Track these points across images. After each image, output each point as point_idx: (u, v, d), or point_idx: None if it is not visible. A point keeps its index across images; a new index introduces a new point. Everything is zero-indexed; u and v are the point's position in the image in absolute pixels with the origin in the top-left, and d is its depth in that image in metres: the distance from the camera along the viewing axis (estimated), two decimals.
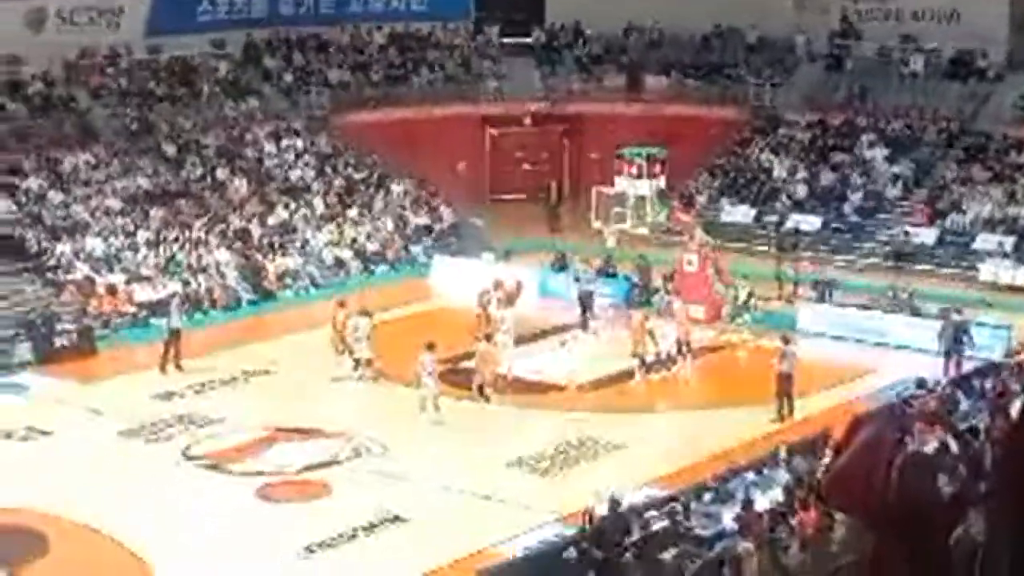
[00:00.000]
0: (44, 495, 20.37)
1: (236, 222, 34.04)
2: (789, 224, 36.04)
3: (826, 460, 15.70)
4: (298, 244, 34.12)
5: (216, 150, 36.57)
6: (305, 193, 36.30)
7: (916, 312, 28.44)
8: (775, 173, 38.41)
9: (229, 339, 28.92)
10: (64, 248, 31.09)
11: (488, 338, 25.42)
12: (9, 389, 25.76)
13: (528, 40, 43.86)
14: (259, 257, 32.94)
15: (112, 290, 30.15)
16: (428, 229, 36.63)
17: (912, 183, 36.90)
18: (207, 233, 33.12)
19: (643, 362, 25.84)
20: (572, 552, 16.50)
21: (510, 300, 27.86)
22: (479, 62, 42.90)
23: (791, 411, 23.52)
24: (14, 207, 32.10)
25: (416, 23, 43.23)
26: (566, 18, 44.07)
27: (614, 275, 31.79)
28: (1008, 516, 4.92)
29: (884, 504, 5.06)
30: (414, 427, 23.31)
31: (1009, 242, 33.54)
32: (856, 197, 36.79)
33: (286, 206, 35.30)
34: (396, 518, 19.61)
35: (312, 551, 18.61)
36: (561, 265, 32.34)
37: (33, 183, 32.84)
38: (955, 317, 26.14)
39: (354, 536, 19.08)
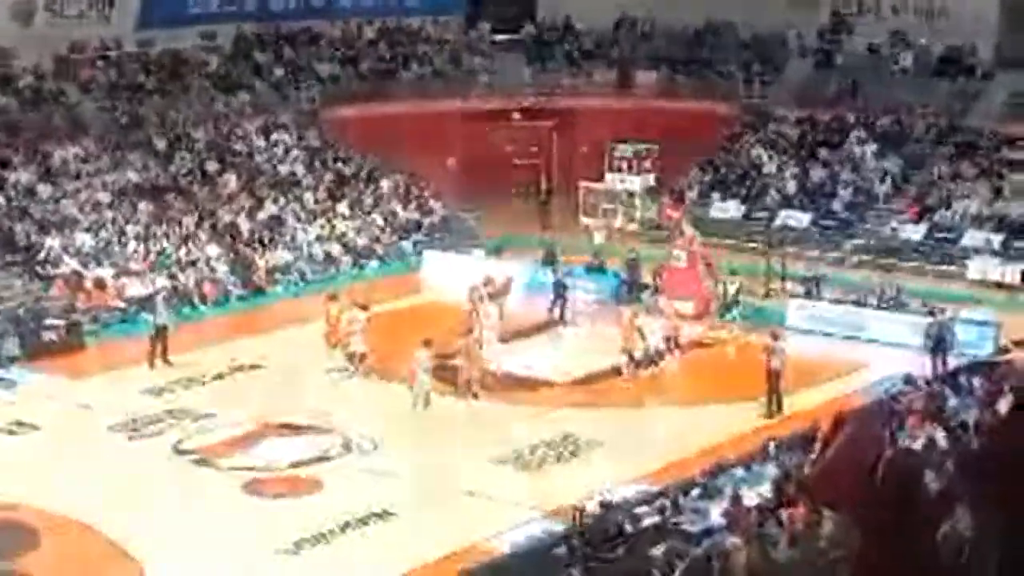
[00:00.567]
0: (34, 490, 20.32)
1: (226, 217, 33.98)
2: (778, 220, 36.09)
3: (813, 456, 15.71)
4: (288, 239, 34.05)
5: (206, 144, 36.45)
6: (295, 188, 36.21)
7: (904, 308, 28.53)
8: (765, 169, 38.43)
9: (219, 334, 28.89)
10: (53, 242, 30.95)
11: (470, 331, 25.43)
12: None
13: (519, 35, 43.86)
14: (249, 252, 32.89)
15: (101, 285, 30.06)
16: (418, 224, 36.60)
17: (901, 180, 36.95)
18: (197, 227, 33.07)
19: (631, 358, 25.88)
20: (562, 549, 16.51)
21: (499, 295, 27.89)
22: (469, 57, 42.85)
23: (780, 407, 23.60)
24: (3, 201, 31.96)
25: (407, 18, 43.21)
26: (556, 13, 44.12)
27: (603, 271, 31.80)
28: (995, 512, 4.95)
29: (872, 500, 5.07)
30: (404, 423, 23.32)
31: (997, 239, 33.61)
32: (845, 193, 36.83)
33: (276, 201, 35.23)
34: (385, 512, 19.63)
35: (301, 546, 18.61)
36: (550, 260, 32.37)
37: (22, 177, 32.72)
38: (940, 317, 26.27)
39: (343, 531, 19.10)
